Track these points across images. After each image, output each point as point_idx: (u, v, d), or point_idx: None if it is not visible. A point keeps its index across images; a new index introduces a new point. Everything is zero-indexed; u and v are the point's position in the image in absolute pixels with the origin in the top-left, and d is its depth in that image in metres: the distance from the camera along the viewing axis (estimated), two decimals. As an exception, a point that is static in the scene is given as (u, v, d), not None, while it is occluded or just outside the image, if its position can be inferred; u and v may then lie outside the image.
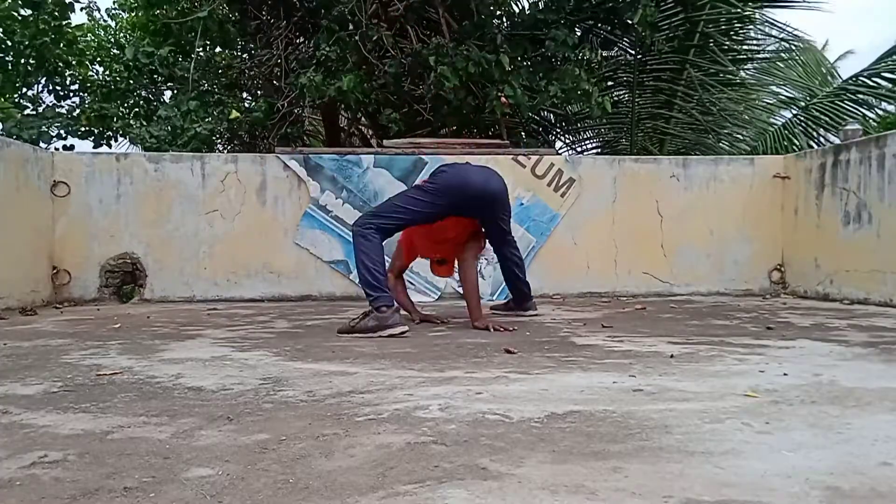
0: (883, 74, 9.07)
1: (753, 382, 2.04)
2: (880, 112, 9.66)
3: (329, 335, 3.21)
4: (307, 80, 6.11)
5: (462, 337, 3.12)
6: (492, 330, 3.30)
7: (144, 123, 7.56)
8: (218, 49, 8.12)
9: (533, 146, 7.86)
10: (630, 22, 6.74)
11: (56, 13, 7.83)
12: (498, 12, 7.46)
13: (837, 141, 5.63)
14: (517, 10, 7.96)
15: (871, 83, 9.23)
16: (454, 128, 7.10)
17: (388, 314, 3.16)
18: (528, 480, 1.23)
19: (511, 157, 5.29)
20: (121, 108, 8.55)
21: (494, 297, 5.11)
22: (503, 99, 6.19)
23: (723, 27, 8.42)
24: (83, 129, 8.18)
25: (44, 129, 7.41)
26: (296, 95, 6.72)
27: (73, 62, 8.72)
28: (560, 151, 8.26)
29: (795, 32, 9.24)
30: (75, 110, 8.35)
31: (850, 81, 9.58)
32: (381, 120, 6.56)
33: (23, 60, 8.07)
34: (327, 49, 6.31)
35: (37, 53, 7.97)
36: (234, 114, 6.66)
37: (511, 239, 3.86)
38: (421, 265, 5.15)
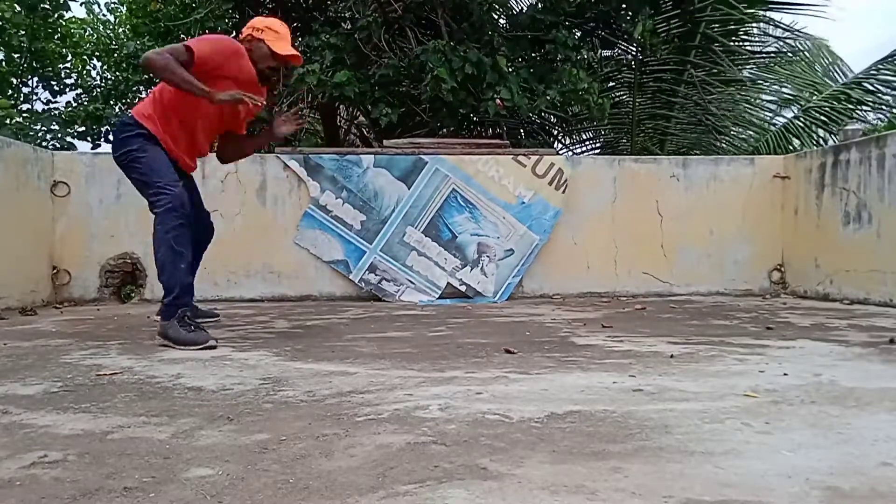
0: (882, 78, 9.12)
1: (753, 382, 2.04)
2: (882, 116, 9.66)
3: (329, 335, 3.21)
4: (306, 71, 6.11)
5: (462, 337, 3.12)
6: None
7: None
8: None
9: (532, 146, 7.86)
10: (630, 31, 6.75)
11: (50, 8, 7.84)
12: (496, 15, 7.46)
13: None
14: (517, 11, 7.96)
15: (871, 87, 9.26)
16: (452, 129, 7.10)
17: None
18: (528, 480, 1.23)
19: (511, 156, 5.29)
20: (116, 108, 8.55)
21: (497, 297, 5.11)
22: (498, 101, 6.19)
23: (723, 28, 8.42)
24: (78, 130, 8.19)
25: (40, 133, 7.43)
26: (295, 95, 6.72)
27: (69, 55, 8.71)
28: (559, 152, 8.25)
29: (798, 31, 9.26)
30: (70, 109, 8.36)
31: (850, 84, 9.59)
32: (374, 114, 6.53)
33: (17, 56, 8.07)
34: (327, 38, 6.30)
35: (31, 53, 7.98)
36: None
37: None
38: (422, 263, 5.18)
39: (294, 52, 3.28)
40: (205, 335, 2.86)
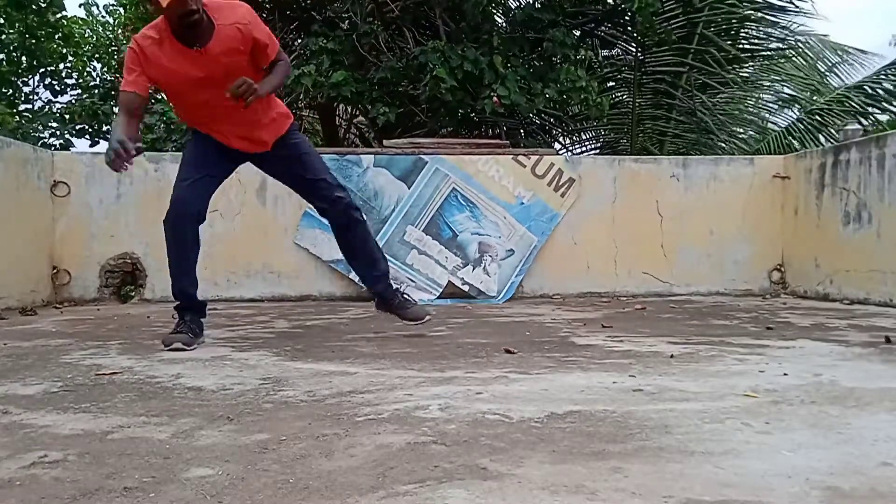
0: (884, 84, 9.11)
1: (753, 382, 2.04)
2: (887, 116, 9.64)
3: (329, 335, 3.22)
4: (302, 72, 6.11)
5: (462, 337, 3.12)
6: None
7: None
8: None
9: (532, 146, 7.86)
10: (629, 12, 6.70)
11: (45, 7, 7.81)
12: (494, 14, 7.45)
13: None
14: (514, 8, 7.96)
15: (872, 92, 9.24)
16: (451, 129, 7.10)
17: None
18: (528, 480, 1.23)
19: (511, 156, 5.29)
20: (115, 108, 8.57)
21: (501, 297, 5.10)
22: (495, 99, 6.19)
23: (723, 26, 8.41)
24: (77, 127, 8.19)
25: (39, 134, 7.43)
26: (293, 96, 6.71)
27: (69, 55, 8.71)
28: (559, 152, 8.26)
29: (797, 32, 9.24)
30: (69, 108, 8.36)
31: (853, 89, 9.57)
32: (372, 113, 6.52)
33: (15, 56, 8.06)
34: (324, 42, 6.30)
35: (28, 52, 7.97)
36: None
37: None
38: (422, 261, 5.18)
39: None
40: (171, 338, 2.78)
